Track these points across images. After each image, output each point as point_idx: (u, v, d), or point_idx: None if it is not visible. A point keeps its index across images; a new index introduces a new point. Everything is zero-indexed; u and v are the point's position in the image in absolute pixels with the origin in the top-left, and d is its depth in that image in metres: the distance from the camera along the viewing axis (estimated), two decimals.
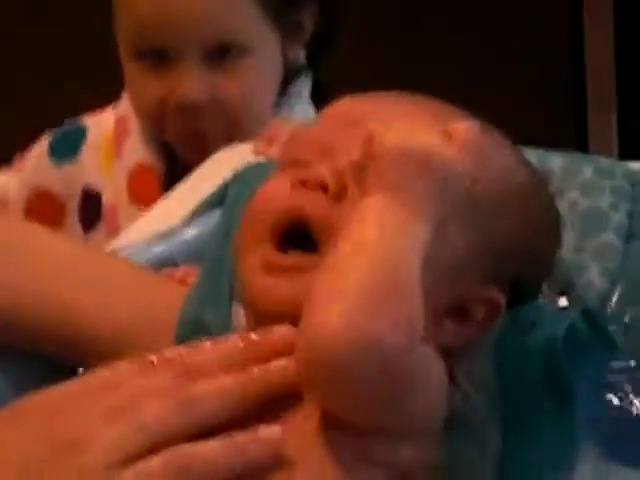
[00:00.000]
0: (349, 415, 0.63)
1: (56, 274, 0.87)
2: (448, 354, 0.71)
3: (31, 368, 0.83)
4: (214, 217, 0.92)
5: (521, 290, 0.76)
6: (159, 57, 1.19)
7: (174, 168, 1.23)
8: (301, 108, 1.28)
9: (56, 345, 0.83)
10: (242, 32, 1.19)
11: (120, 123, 1.30)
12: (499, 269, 0.74)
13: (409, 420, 0.65)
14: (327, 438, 0.64)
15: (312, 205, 0.68)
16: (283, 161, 0.75)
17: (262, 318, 0.69)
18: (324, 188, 0.68)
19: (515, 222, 0.75)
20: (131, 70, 1.22)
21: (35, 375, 0.82)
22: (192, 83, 1.17)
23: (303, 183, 0.69)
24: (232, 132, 1.19)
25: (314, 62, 1.31)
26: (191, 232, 0.95)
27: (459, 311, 0.72)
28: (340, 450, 0.63)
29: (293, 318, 0.63)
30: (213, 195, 0.96)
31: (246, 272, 0.70)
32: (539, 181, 0.81)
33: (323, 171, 0.70)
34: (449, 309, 0.72)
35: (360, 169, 0.66)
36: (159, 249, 0.93)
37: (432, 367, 0.65)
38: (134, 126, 1.28)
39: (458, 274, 0.72)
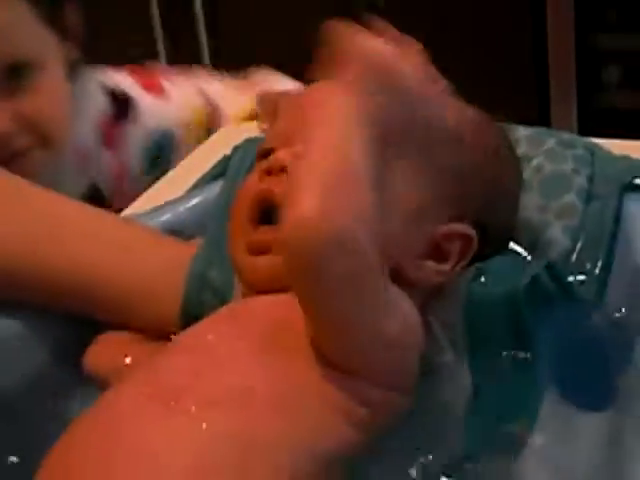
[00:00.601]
0: (326, 324, 0.66)
1: (72, 233, 0.90)
2: (425, 303, 0.77)
3: (49, 320, 0.87)
4: (216, 187, 0.97)
5: (489, 234, 0.80)
6: None
7: None
8: (90, 103, 1.25)
9: (71, 300, 0.86)
10: (29, 48, 1.13)
11: None
12: (463, 207, 0.80)
13: (381, 360, 0.69)
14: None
15: (276, 187, 0.75)
16: (257, 155, 0.83)
17: (249, 288, 0.79)
18: (285, 170, 0.75)
19: (474, 156, 0.81)
20: None
21: (53, 325, 0.87)
22: None
23: (268, 171, 0.76)
24: (48, 144, 1.16)
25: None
26: (194, 201, 0.99)
27: (437, 251, 0.77)
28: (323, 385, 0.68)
29: (272, 285, 0.73)
30: (215, 167, 1.01)
31: (234, 252, 0.78)
32: (492, 121, 0.86)
33: (283, 156, 0.77)
34: (427, 251, 0.77)
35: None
36: (165, 217, 0.97)
37: (401, 301, 0.70)
38: None
39: (424, 214, 0.77)
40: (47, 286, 0.84)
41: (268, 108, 1.12)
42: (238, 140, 1.02)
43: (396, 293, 0.70)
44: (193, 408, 0.67)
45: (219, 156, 1.02)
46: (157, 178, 1.18)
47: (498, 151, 0.85)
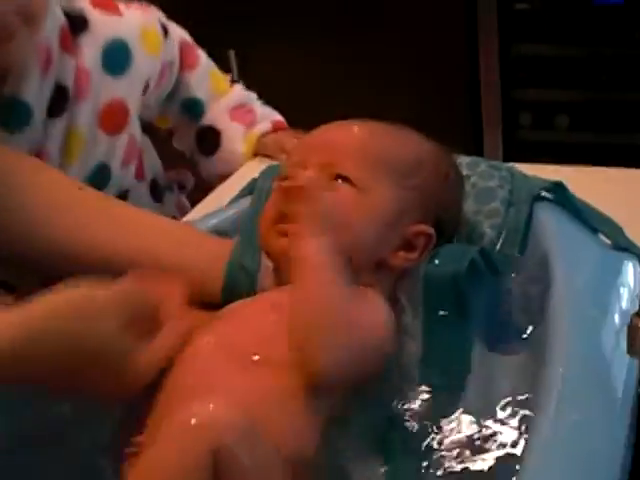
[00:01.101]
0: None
1: (143, 232, 0.96)
2: (396, 282, 0.88)
3: None
4: (247, 201, 1.06)
5: (442, 230, 0.91)
6: None
7: None
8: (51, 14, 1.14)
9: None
10: None
11: None
12: (426, 212, 0.90)
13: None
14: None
15: (291, 204, 0.84)
16: (278, 178, 0.92)
17: (274, 260, 0.89)
18: (301, 189, 0.84)
19: (431, 177, 0.91)
20: None
21: None
22: None
23: (288, 190, 0.86)
24: (32, 24, 1.05)
25: None
26: (232, 211, 1.07)
27: (406, 244, 0.88)
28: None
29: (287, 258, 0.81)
30: (246, 187, 1.10)
31: (266, 239, 0.88)
32: (445, 151, 0.95)
33: (298, 177, 0.86)
34: (400, 244, 0.88)
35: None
36: (212, 222, 1.06)
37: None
38: None
39: (399, 219, 0.87)
40: (121, 268, 0.83)
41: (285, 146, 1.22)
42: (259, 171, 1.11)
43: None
44: (244, 360, 0.77)
45: (248, 180, 1.11)
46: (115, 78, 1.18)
47: (449, 174, 0.94)
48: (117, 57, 1.21)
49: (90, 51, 1.17)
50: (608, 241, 0.96)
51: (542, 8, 2.21)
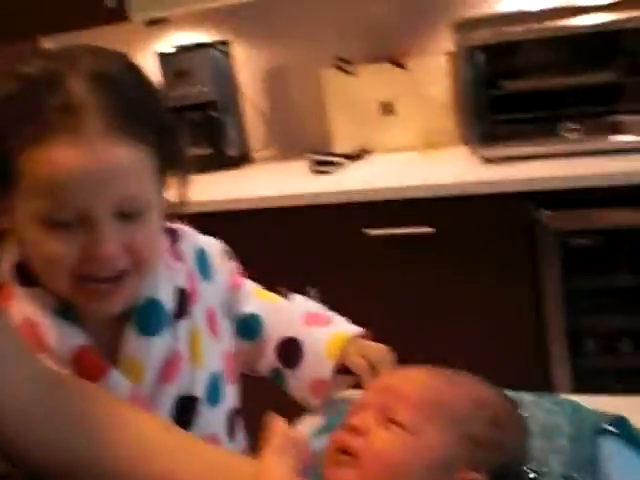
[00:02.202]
0: None
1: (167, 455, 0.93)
2: None
3: None
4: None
5: (501, 475, 0.92)
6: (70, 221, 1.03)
7: (101, 336, 1.11)
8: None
9: None
10: (144, 188, 1.05)
11: (26, 326, 1.08)
12: (480, 459, 0.91)
13: None
14: None
15: (353, 442, 0.93)
16: (348, 414, 0.98)
17: None
18: (357, 430, 0.93)
19: (486, 425, 0.93)
20: (36, 232, 1.03)
21: None
22: (106, 238, 1.02)
23: (354, 428, 0.94)
24: (142, 270, 1.08)
25: None
26: (319, 442, 1.07)
27: None
28: None
29: None
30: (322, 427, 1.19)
31: (325, 464, 0.94)
32: (503, 397, 0.98)
33: (357, 419, 0.95)
34: None
35: None
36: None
37: None
38: (42, 318, 1.09)
39: (448, 465, 0.90)
40: None
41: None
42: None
43: None
44: None
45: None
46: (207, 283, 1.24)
47: (506, 420, 0.96)
48: (204, 263, 1.27)
49: (190, 255, 1.24)
50: None
51: (599, 243, 2.33)
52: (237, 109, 3.24)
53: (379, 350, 1.27)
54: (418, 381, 0.98)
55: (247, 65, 3.30)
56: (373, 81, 2.98)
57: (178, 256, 1.22)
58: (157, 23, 3.18)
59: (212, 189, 2.79)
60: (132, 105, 1.03)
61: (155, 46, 3.34)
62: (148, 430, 0.96)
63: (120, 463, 0.92)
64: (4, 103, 1.02)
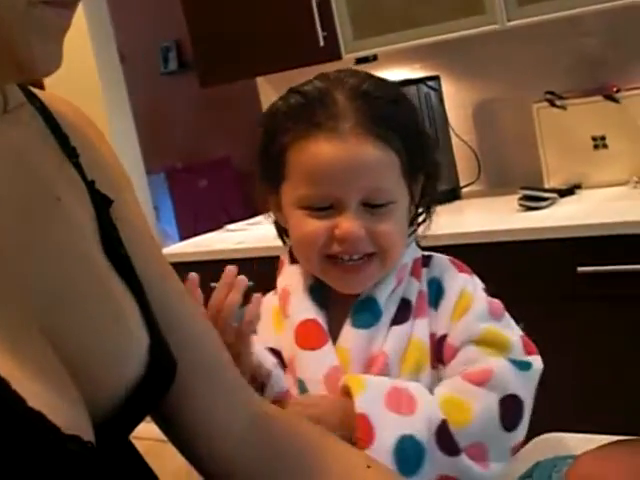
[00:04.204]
0: None
1: None
2: None
3: None
4: None
5: None
6: (327, 207, 1.23)
7: (332, 319, 1.27)
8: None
9: None
10: (390, 184, 1.24)
11: (283, 293, 1.32)
12: None
13: None
14: None
15: None
16: None
17: None
18: None
19: None
20: (297, 216, 1.25)
21: None
22: (352, 222, 1.21)
23: None
24: (384, 261, 1.25)
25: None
26: None
27: None
28: None
29: None
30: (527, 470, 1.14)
31: None
32: None
33: None
34: None
35: None
36: None
37: None
38: (293, 294, 1.31)
39: None
40: None
41: None
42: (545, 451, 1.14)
43: None
44: None
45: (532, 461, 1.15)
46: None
47: None
48: (433, 293, 1.31)
49: (424, 281, 1.30)
50: None
51: None
52: (447, 143, 3.26)
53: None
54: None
55: (456, 100, 3.33)
56: (585, 115, 2.94)
57: (417, 276, 1.30)
58: (367, 61, 3.26)
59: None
60: (381, 114, 1.24)
61: None
62: (353, 467, 0.96)
63: None
64: (288, 110, 1.27)
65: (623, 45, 3.00)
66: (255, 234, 3.23)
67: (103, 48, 3.99)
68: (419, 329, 1.26)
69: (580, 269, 2.46)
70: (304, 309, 1.29)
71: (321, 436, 1.00)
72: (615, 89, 2.92)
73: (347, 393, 1.19)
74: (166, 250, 3.40)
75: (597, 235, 2.45)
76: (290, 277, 1.34)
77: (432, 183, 1.34)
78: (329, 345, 1.25)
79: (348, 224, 1.21)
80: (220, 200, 5.50)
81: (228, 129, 5.34)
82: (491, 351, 1.22)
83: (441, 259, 1.34)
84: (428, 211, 1.36)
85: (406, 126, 1.27)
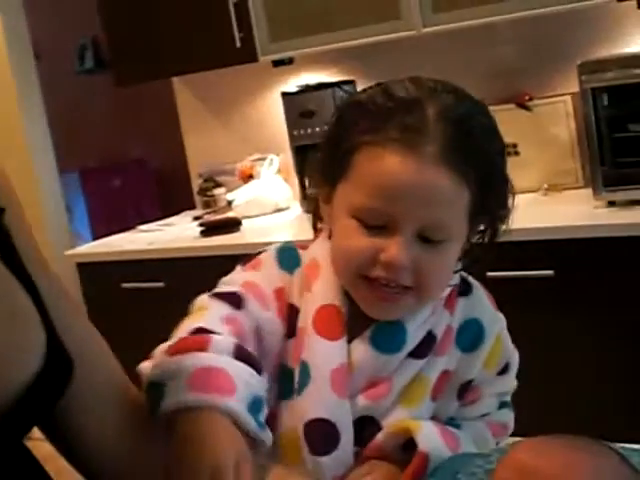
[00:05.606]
0: None
1: None
2: None
3: None
4: None
5: None
6: (380, 226, 1.12)
7: (356, 310, 1.18)
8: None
9: None
10: (453, 221, 1.12)
11: (311, 264, 1.23)
12: None
13: None
14: None
15: None
16: None
17: None
18: None
19: None
20: (346, 224, 1.14)
21: None
22: (401, 250, 1.10)
23: None
24: (421, 298, 1.15)
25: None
26: None
27: None
28: None
29: None
30: None
31: None
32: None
33: None
34: None
35: None
36: None
37: None
38: (322, 271, 1.21)
39: None
40: None
41: None
42: None
43: None
44: None
45: None
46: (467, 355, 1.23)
47: None
48: (471, 336, 1.25)
49: (459, 316, 1.24)
50: None
51: None
52: None
53: None
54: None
55: None
56: (497, 122, 2.95)
57: (450, 307, 1.23)
58: (283, 64, 3.27)
59: None
60: (468, 145, 1.12)
61: (281, 87, 3.43)
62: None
63: None
64: (371, 108, 1.14)
65: (537, 54, 3.04)
66: (167, 235, 3.24)
67: (17, 46, 3.93)
68: (432, 367, 1.21)
69: (490, 274, 2.48)
70: (330, 293, 1.20)
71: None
72: (528, 97, 2.97)
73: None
74: (77, 250, 3.36)
75: (507, 241, 2.46)
76: (321, 248, 1.23)
77: (495, 227, 1.21)
78: (344, 340, 1.17)
79: (397, 251, 1.11)
80: (134, 201, 5.44)
81: (144, 129, 5.28)
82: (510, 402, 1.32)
83: (481, 295, 1.28)
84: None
85: (490, 166, 1.16)
